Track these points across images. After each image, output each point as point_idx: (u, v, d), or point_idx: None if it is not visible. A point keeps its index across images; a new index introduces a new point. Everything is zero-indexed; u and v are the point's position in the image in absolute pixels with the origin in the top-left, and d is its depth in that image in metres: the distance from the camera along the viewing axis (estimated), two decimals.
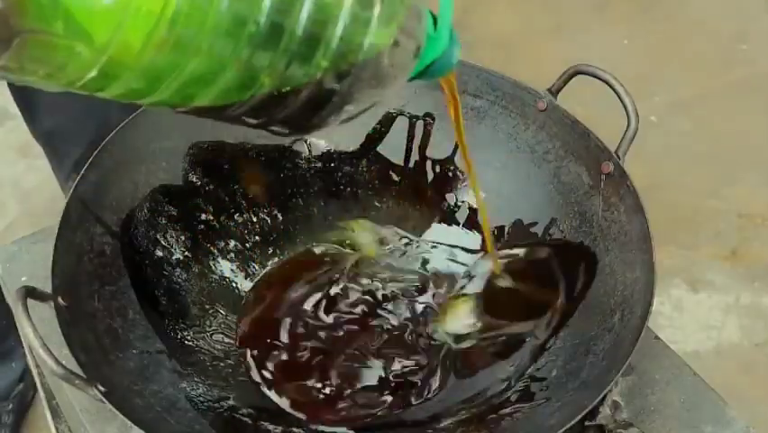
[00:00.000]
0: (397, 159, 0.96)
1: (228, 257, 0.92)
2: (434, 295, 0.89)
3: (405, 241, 0.94)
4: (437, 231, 0.94)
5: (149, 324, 0.83)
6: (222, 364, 0.84)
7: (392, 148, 0.96)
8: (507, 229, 0.92)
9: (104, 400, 0.68)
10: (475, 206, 0.91)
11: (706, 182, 1.96)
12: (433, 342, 0.86)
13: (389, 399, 0.82)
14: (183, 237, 0.90)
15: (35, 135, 1.29)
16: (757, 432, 0.80)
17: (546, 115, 0.90)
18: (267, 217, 0.95)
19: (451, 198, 0.95)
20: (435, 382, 0.83)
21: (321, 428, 0.80)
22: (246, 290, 0.91)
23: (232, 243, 0.93)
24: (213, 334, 0.87)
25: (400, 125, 0.95)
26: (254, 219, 0.95)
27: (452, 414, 0.80)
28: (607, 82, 0.84)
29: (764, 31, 2.37)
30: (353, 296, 0.89)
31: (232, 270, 0.92)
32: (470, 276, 0.89)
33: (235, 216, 0.94)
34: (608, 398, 0.80)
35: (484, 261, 0.89)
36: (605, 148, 0.85)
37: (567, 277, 0.85)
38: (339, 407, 0.81)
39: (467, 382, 0.84)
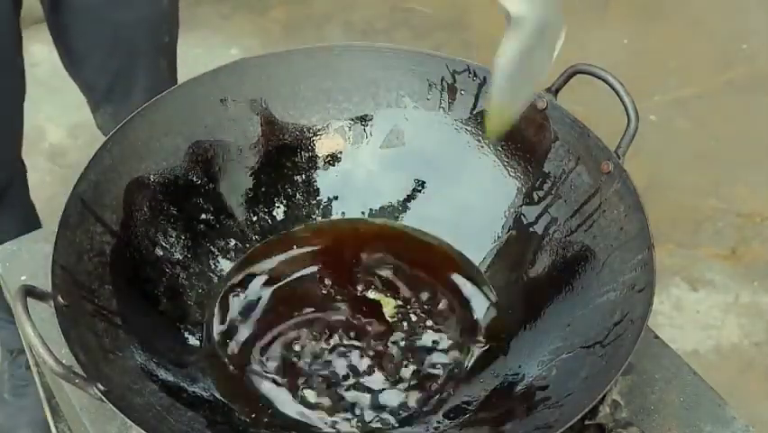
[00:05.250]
0: None
1: (228, 256, 0.92)
2: None
3: None
4: None
5: (149, 323, 0.83)
6: (222, 364, 0.85)
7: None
8: (507, 228, 0.92)
9: (103, 399, 0.68)
10: None
11: (706, 182, 1.97)
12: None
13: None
14: (183, 237, 0.90)
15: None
16: (756, 431, 0.80)
17: (546, 114, 0.90)
18: (267, 217, 0.95)
19: None
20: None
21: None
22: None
23: (232, 242, 0.93)
24: (213, 333, 0.87)
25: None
26: (254, 219, 0.95)
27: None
28: (606, 81, 0.85)
29: (764, 31, 2.37)
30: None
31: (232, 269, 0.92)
32: None
33: (235, 216, 0.94)
34: (608, 397, 0.80)
35: None
36: (605, 147, 0.86)
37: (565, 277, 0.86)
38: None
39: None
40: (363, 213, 0.96)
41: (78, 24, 1.17)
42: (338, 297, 0.89)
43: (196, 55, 1.98)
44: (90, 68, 1.23)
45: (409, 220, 0.96)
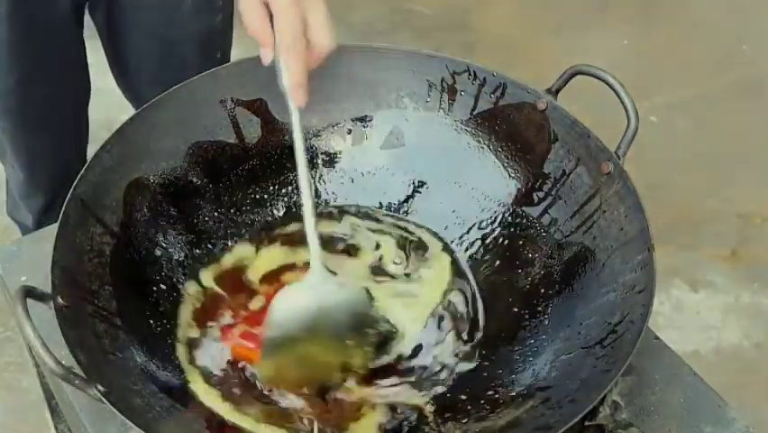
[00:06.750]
0: None
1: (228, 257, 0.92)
2: None
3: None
4: None
5: (149, 324, 0.83)
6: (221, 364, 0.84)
7: None
8: (507, 229, 0.92)
9: (103, 399, 0.68)
10: None
11: (706, 182, 1.97)
12: None
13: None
14: (183, 237, 0.90)
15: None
16: (757, 432, 0.80)
17: (546, 115, 0.90)
18: (267, 217, 0.95)
19: None
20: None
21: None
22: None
23: (231, 242, 0.93)
24: (213, 333, 0.86)
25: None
26: (254, 219, 0.94)
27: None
28: (606, 82, 0.85)
29: (764, 31, 2.37)
30: None
31: None
32: None
33: (235, 217, 0.94)
34: (608, 398, 0.80)
35: None
36: (605, 148, 0.85)
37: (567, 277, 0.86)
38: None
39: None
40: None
41: (133, 41, 1.21)
42: None
43: None
44: (142, 80, 1.27)
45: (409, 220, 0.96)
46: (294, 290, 0.81)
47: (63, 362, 0.68)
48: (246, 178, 0.94)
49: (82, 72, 1.24)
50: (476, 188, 0.94)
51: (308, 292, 0.80)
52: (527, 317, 0.86)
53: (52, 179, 1.29)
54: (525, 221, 0.91)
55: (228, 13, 1.24)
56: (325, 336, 0.80)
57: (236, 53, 1.30)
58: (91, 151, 0.85)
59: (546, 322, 0.85)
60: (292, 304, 0.79)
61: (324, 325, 0.80)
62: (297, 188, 0.95)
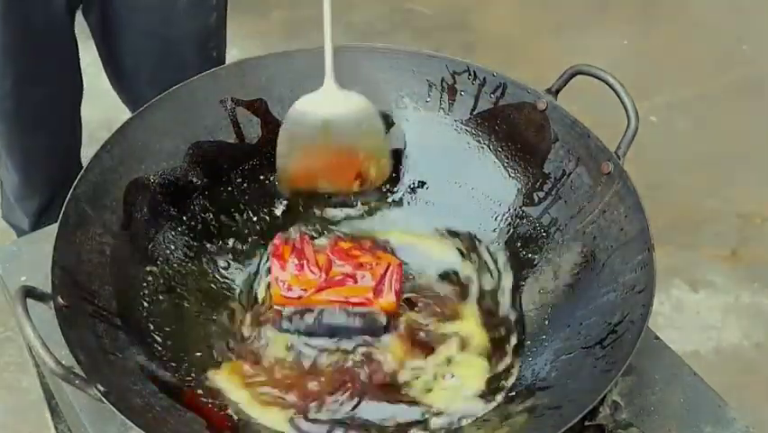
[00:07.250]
0: None
1: (227, 256, 0.92)
2: None
3: None
4: None
5: (149, 324, 0.83)
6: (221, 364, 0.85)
7: None
8: (507, 229, 0.92)
9: (103, 399, 0.68)
10: None
11: (706, 182, 1.96)
12: None
13: None
14: (183, 237, 0.90)
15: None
16: (757, 432, 0.80)
17: (546, 115, 0.90)
18: (266, 216, 0.95)
19: None
20: None
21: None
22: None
23: (231, 242, 0.93)
24: (213, 333, 0.87)
25: None
26: (254, 219, 0.95)
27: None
28: (606, 82, 0.85)
29: (764, 31, 2.37)
30: None
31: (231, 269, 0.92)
32: None
33: (235, 216, 0.94)
34: (608, 398, 0.80)
35: None
36: (605, 148, 0.86)
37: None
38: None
39: None
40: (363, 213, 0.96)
41: (129, 41, 1.22)
42: None
43: None
44: (140, 82, 1.28)
45: (409, 220, 0.96)
46: (305, 100, 0.88)
47: (63, 362, 0.68)
48: (246, 178, 0.94)
49: (76, 72, 1.25)
50: (476, 188, 0.94)
51: (319, 102, 0.88)
52: (527, 317, 0.86)
53: (48, 180, 1.30)
54: (525, 221, 0.91)
55: (222, 13, 1.25)
56: (338, 145, 0.88)
57: (233, 54, 1.31)
58: (91, 151, 0.85)
59: (546, 322, 0.85)
60: (303, 111, 0.88)
61: (336, 135, 0.88)
62: None
